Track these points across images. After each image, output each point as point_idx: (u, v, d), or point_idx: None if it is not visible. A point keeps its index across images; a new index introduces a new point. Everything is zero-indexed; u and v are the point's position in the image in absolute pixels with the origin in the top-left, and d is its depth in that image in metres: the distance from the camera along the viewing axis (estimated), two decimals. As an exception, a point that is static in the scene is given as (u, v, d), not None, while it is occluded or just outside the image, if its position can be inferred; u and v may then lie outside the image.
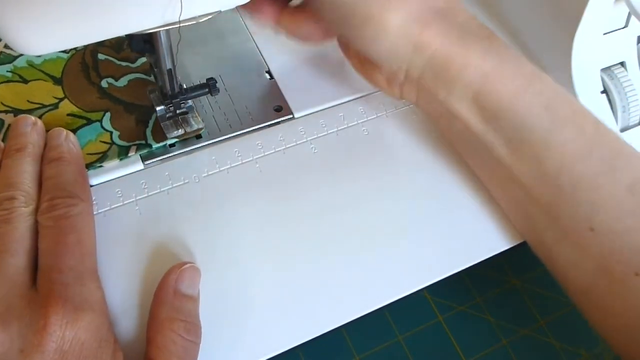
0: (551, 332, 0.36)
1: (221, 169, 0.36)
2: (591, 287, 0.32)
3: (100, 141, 0.35)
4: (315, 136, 0.38)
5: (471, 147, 0.36)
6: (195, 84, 0.36)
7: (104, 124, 0.36)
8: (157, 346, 0.28)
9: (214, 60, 0.41)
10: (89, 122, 0.36)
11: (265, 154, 0.37)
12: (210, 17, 0.27)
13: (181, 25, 0.26)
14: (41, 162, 0.32)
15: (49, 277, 0.28)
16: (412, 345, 0.35)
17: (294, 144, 0.38)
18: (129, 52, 0.39)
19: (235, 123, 0.38)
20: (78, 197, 0.30)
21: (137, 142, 0.36)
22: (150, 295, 0.30)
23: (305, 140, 0.38)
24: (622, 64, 0.41)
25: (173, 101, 0.35)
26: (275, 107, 0.39)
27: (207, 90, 0.36)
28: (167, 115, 0.36)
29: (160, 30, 0.29)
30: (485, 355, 0.35)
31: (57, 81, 0.37)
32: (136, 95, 0.37)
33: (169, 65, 0.33)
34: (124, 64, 0.38)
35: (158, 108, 0.36)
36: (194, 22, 0.26)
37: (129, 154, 0.35)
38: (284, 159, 0.37)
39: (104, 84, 0.37)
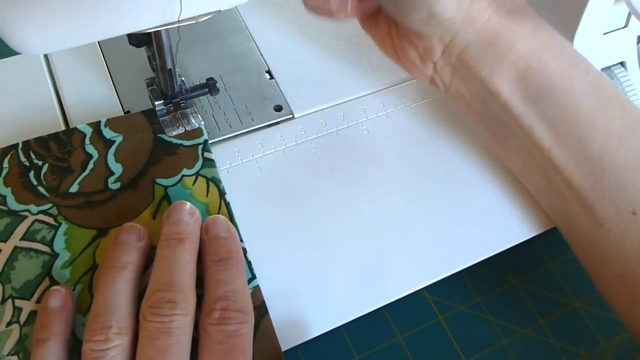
0: (551, 332, 0.36)
1: (221, 168, 0.36)
2: (625, 274, 0.31)
3: None
4: (315, 136, 0.38)
5: (504, 132, 0.35)
6: (195, 84, 0.36)
7: None
8: None
9: (214, 60, 0.41)
10: None
11: (265, 153, 0.37)
12: (210, 16, 0.27)
13: (181, 25, 0.26)
14: (200, 252, 0.31)
15: None
16: (412, 345, 0.35)
17: (294, 143, 0.38)
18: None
19: (235, 123, 0.38)
20: (247, 313, 0.29)
21: None
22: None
23: (305, 140, 0.38)
24: (622, 64, 0.41)
25: (173, 101, 0.35)
26: (275, 107, 0.39)
27: (207, 90, 0.36)
28: (167, 112, 0.36)
29: (160, 30, 0.29)
30: (485, 355, 0.35)
31: None
32: None
33: (169, 66, 0.33)
34: None
35: (157, 103, 0.36)
36: (194, 22, 0.26)
37: None
38: (284, 158, 0.37)
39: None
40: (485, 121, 0.35)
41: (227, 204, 0.34)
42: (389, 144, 0.38)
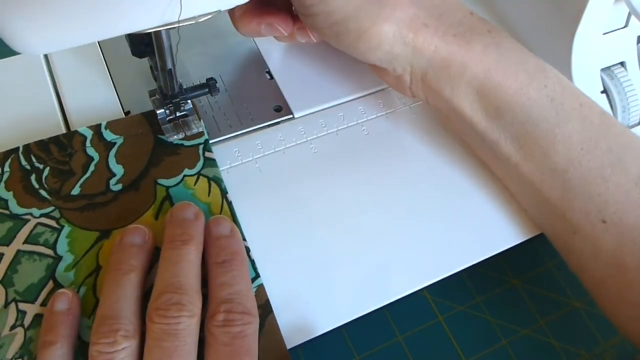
0: (551, 332, 0.36)
1: (221, 168, 0.36)
2: (605, 278, 0.32)
3: None
4: (315, 136, 0.38)
5: (479, 144, 0.36)
6: (195, 84, 0.36)
7: None
8: None
9: (214, 60, 0.41)
10: None
11: (265, 154, 0.37)
12: (210, 16, 0.27)
13: (181, 25, 0.26)
14: (203, 253, 0.31)
15: None
16: (412, 345, 0.35)
17: (294, 144, 0.38)
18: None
19: (235, 123, 0.38)
20: (252, 314, 0.29)
21: None
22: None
23: (305, 140, 0.38)
24: (622, 64, 0.41)
25: (173, 101, 0.35)
26: (275, 107, 0.39)
27: (207, 90, 0.36)
28: (168, 118, 0.36)
29: (160, 30, 0.29)
30: (485, 355, 0.35)
31: None
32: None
33: (169, 66, 0.33)
34: None
35: (158, 111, 0.36)
36: (194, 22, 0.26)
37: None
38: (284, 159, 0.37)
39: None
40: (462, 133, 0.37)
41: (229, 203, 0.34)
42: (388, 145, 0.38)
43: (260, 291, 0.32)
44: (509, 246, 0.36)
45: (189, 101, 0.36)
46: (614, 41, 0.40)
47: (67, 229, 0.33)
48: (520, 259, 0.38)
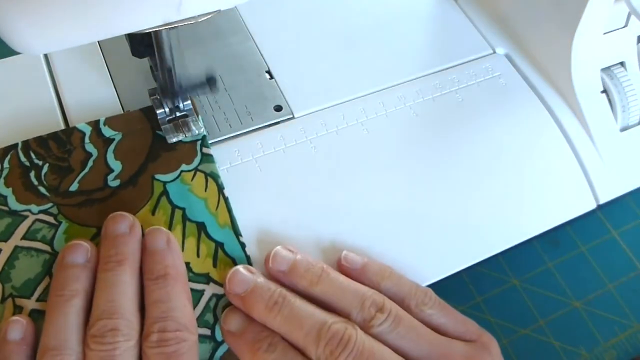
0: (551, 332, 0.36)
1: (221, 168, 0.36)
2: None
3: None
4: (315, 136, 0.38)
5: None
6: (195, 84, 0.36)
7: None
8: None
9: (214, 60, 0.41)
10: None
11: (265, 153, 0.37)
12: (209, 16, 0.27)
13: (181, 25, 0.26)
14: (141, 270, 0.30)
15: None
16: (412, 345, 0.35)
17: (294, 143, 0.38)
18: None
19: (235, 123, 0.38)
20: (188, 329, 0.28)
21: None
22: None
23: (305, 140, 0.38)
24: (622, 63, 0.41)
25: (174, 100, 0.35)
26: (275, 107, 0.39)
27: (206, 87, 0.36)
28: (168, 119, 0.36)
29: (160, 30, 0.29)
30: (485, 355, 0.35)
31: None
32: None
33: (169, 65, 0.33)
34: None
35: (158, 111, 0.36)
36: (194, 22, 0.26)
37: None
38: (284, 158, 0.37)
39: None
40: None
41: (226, 199, 0.34)
42: (388, 144, 0.38)
43: None
44: (510, 246, 0.36)
45: (189, 101, 0.36)
46: (614, 41, 0.40)
47: (64, 225, 0.33)
48: (520, 259, 0.38)
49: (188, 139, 0.36)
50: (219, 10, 0.27)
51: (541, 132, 0.40)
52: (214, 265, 0.32)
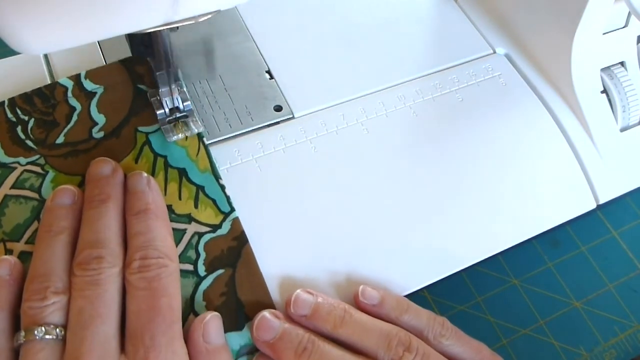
0: (551, 332, 0.36)
1: (221, 168, 0.36)
2: None
3: None
4: (315, 136, 0.38)
5: None
6: (195, 83, 0.36)
7: None
8: None
9: (214, 60, 0.41)
10: None
11: (265, 153, 0.37)
12: (209, 16, 0.27)
13: (181, 25, 0.26)
14: (124, 211, 0.31)
15: (142, 344, 0.27)
16: (412, 345, 0.35)
17: (294, 143, 0.38)
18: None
19: (235, 123, 0.38)
20: (169, 257, 0.30)
21: None
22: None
23: (305, 140, 0.38)
24: (622, 63, 0.41)
25: (174, 100, 0.35)
26: (275, 107, 0.39)
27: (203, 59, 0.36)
28: (167, 119, 0.36)
29: (160, 30, 0.29)
30: (485, 355, 0.35)
31: None
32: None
33: (169, 65, 0.33)
34: None
35: (158, 112, 0.36)
36: (194, 22, 0.26)
37: None
38: (284, 158, 0.37)
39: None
40: None
41: (206, 146, 0.35)
42: (388, 144, 0.38)
43: (235, 223, 0.33)
44: (509, 246, 0.36)
45: (189, 101, 0.36)
46: (613, 41, 0.40)
47: (51, 174, 0.34)
48: (520, 259, 0.38)
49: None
50: (219, 10, 0.27)
51: (541, 132, 0.40)
52: (195, 207, 0.34)
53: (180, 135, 0.36)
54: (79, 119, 0.36)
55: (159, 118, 0.36)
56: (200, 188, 0.34)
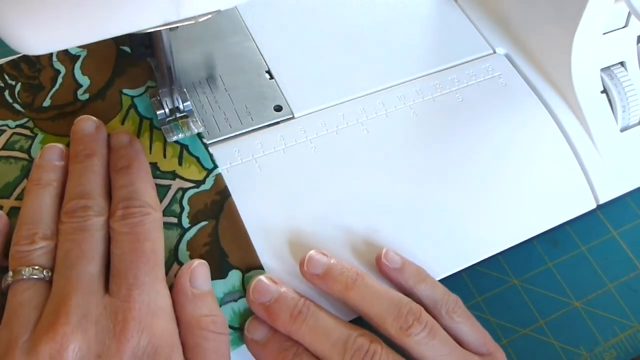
0: (551, 332, 0.36)
1: (221, 168, 0.36)
2: None
3: None
4: (315, 136, 0.38)
5: None
6: (195, 83, 0.36)
7: None
8: (191, 348, 0.28)
9: (214, 60, 0.41)
10: None
11: (265, 153, 0.37)
12: (209, 16, 0.27)
13: (181, 25, 0.26)
14: (108, 167, 0.33)
15: (126, 282, 0.28)
16: (412, 345, 0.35)
17: (294, 143, 0.38)
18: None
19: (235, 123, 0.38)
20: (151, 206, 0.31)
21: None
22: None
23: (305, 140, 0.38)
24: (622, 63, 0.41)
25: (174, 100, 0.35)
26: (275, 107, 0.39)
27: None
28: (168, 119, 0.36)
29: (160, 30, 0.29)
30: (485, 355, 0.35)
31: None
32: None
33: (169, 65, 0.33)
34: None
35: (158, 112, 0.36)
36: (194, 22, 0.26)
37: None
38: (284, 158, 0.37)
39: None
40: None
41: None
42: (388, 144, 0.38)
43: (218, 179, 0.35)
44: (510, 246, 0.36)
45: (189, 102, 0.36)
46: (613, 41, 0.40)
47: (40, 136, 0.35)
48: (520, 259, 0.38)
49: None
50: (219, 10, 0.27)
51: (541, 132, 0.40)
52: (179, 164, 0.35)
53: (180, 135, 0.36)
54: (64, 81, 0.37)
55: (159, 118, 0.36)
56: (184, 147, 0.36)
